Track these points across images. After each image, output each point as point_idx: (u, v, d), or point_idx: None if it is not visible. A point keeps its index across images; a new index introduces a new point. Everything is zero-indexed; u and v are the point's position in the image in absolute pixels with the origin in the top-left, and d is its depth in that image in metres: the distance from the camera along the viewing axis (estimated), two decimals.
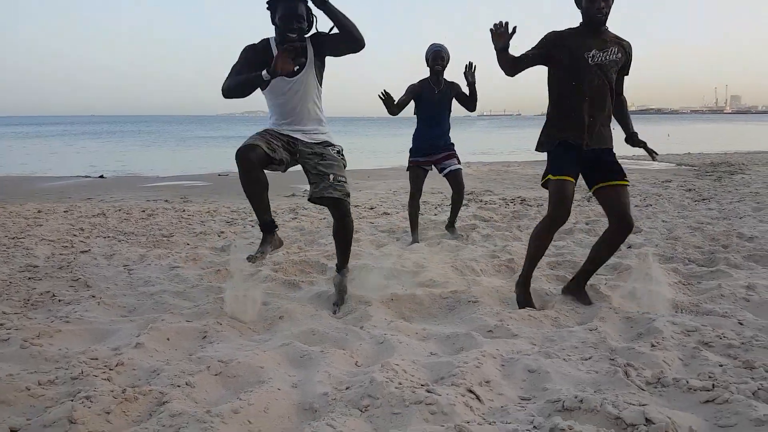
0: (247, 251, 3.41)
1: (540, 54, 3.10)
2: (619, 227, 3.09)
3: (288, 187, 10.41)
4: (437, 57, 4.96)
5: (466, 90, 5.04)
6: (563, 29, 3.13)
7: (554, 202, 3.08)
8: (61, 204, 7.86)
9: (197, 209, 7.35)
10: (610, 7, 3.03)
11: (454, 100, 5.13)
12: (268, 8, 3.13)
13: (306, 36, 3.16)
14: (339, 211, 3.20)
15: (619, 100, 3.26)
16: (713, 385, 2.12)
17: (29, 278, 3.89)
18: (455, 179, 5.15)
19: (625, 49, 3.15)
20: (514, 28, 2.99)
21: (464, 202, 7.96)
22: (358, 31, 2.97)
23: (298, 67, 3.04)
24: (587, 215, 6.44)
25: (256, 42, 3.20)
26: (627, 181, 3.14)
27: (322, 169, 3.19)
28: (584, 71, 3.03)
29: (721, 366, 2.32)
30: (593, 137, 3.11)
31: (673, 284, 3.58)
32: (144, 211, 7.15)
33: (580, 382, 2.21)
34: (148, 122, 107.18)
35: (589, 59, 3.03)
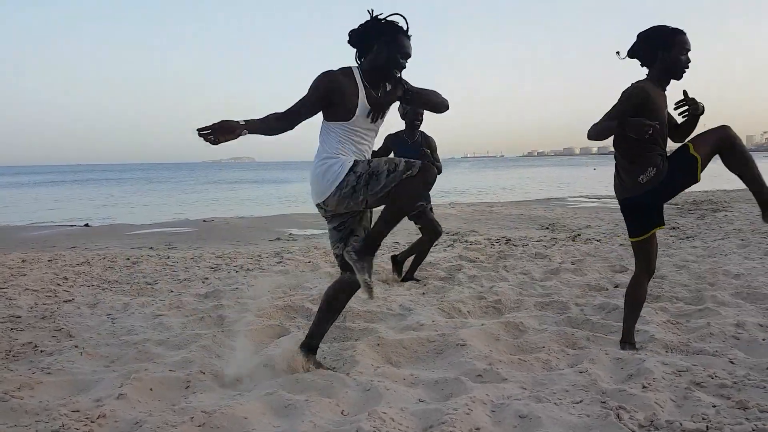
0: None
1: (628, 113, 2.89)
2: (721, 137, 2.89)
3: (273, 231, 10.39)
4: (417, 112, 5.02)
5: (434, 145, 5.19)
6: (645, 82, 2.93)
7: (636, 258, 3.16)
8: (45, 253, 7.74)
9: (181, 256, 7.27)
10: None
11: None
12: (357, 44, 2.76)
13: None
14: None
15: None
16: (707, 426, 2.08)
17: (11, 329, 3.80)
18: (432, 224, 5.17)
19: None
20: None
21: (449, 242, 8.00)
22: (445, 104, 2.89)
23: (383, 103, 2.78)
24: (573, 254, 6.44)
25: (333, 69, 2.76)
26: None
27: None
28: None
29: (714, 407, 2.29)
30: None
31: (662, 323, 3.56)
32: (128, 258, 7.06)
33: (572, 426, 2.16)
34: (130, 170, 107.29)
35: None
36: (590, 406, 2.31)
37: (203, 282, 5.49)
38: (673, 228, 8.71)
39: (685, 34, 2.90)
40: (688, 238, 7.62)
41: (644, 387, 2.48)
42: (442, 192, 23.23)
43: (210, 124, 2.48)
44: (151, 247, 8.50)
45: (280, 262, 6.52)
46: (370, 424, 2.10)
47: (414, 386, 2.70)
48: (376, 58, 2.72)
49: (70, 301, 4.71)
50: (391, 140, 5.12)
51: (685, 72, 2.93)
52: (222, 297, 4.71)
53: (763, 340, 3.14)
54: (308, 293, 4.72)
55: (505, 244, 7.62)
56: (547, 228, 9.61)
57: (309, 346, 2.98)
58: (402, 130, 5.15)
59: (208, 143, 2.46)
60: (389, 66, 2.72)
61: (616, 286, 4.71)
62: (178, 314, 4.26)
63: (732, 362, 2.82)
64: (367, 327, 3.65)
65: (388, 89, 2.80)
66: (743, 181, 2.91)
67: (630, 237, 3.10)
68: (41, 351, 3.33)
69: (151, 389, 2.64)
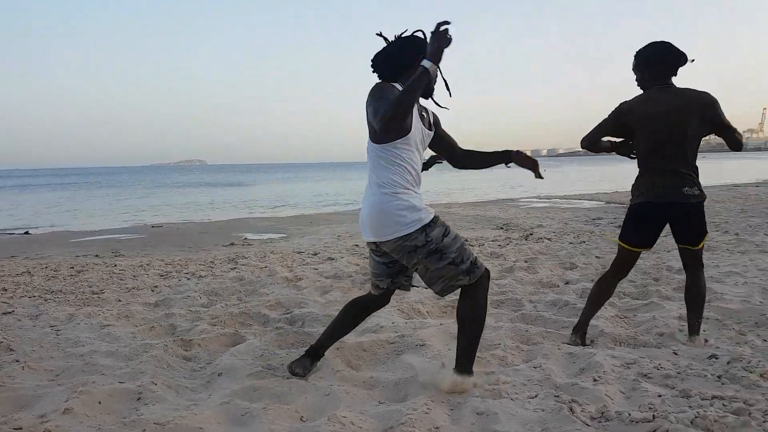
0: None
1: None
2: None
3: (227, 236, 10.22)
4: None
5: None
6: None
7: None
8: None
9: (129, 263, 7.07)
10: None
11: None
12: (389, 68, 2.62)
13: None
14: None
15: None
16: (654, 416, 2.16)
17: None
18: None
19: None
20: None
21: None
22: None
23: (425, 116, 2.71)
24: (526, 253, 6.58)
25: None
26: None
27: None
28: None
29: (660, 396, 2.38)
30: None
31: (610, 318, 3.68)
32: (73, 267, 6.81)
33: (527, 421, 2.21)
34: (75, 174, 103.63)
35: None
36: (545, 400, 2.37)
37: (152, 290, 5.35)
38: (619, 226, 9.00)
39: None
40: None
41: (595, 380, 2.56)
42: None
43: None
44: (96, 255, 8.24)
45: (235, 268, 6.42)
46: (330, 428, 2.10)
47: (374, 388, 2.71)
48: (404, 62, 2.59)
49: (9, 313, 4.49)
50: None
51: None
52: (173, 305, 4.60)
53: (704, 330, 3.28)
54: (264, 299, 4.66)
55: None
56: (502, 228, 9.80)
57: (315, 354, 2.89)
58: None
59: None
60: (433, 80, 2.59)
61: (566, 283, 4.84)
62: (127, 324, 4.14)
63: (675, 353, 2.94)
64: None
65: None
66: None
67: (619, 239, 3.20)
68: None
69: (99, 402, 2.55)
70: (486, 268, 2.59)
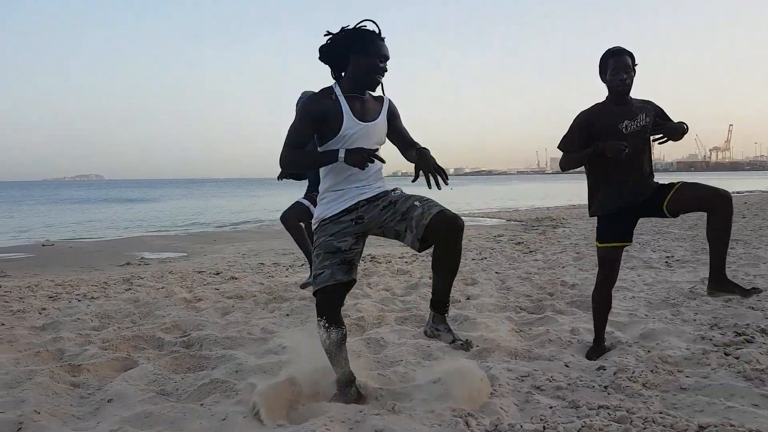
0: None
1: (582, 139, 3.14)
2: (716, 203, 2.95)
3: (123, 254, 9.71)
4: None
5: None
6: (590, 107, 3.19)
7: (599, 265, 3.27)
8: None
9: (15, 284, 6.53)
10: (632, 77, 3.10)
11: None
12: (332, 59, 2.63)
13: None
14: (455, 229, 2.46)
15: None
16: (544, 427, 2.26)
17: None
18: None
19: (651, 110, 3.23)
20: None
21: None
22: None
23: (370, 108, 2.67)
24: (430, 269, 6.71)
25: (315, 91, 2.66)
26: (682, 182, 3.14)
27: (403, 205, 2.55)
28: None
29: (551, 408, 2.50)
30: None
31: (508, 332, 3.82)
32: None
33: None
34: None
35: (623, 129, 3.10)
36: (441, 415, 2.41)
37: (40, 313, 4.97)
38: (519, 243, 9.41)
39: (613, 55, 3.06)
40: (531, 252, 8.27)
41: (491, 394, 2.64)
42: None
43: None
44: None
45: (129, 288, 6.08)
46: None
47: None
48: (357, 67, 2.58)
49: None
50: None
51: (622, 89, 3.08)
52: (62, 329, 4.29)
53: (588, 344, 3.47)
54: (160, 322, 4.44)
55: (370, 261, 7.76)
56: None
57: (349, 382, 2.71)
58: None
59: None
60: (371, 73, 2.58)
61: (468, 298, 4.97)
62: (10, 349, 3.81)
63: (567, 365, 3.10)
64: (226, 354, 3.52)
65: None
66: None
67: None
68: None
69: None
70: (321, 291, 2.59)
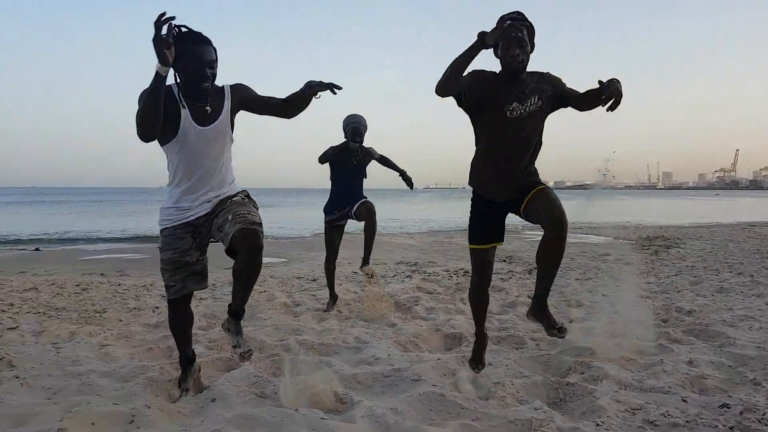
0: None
1: (467, 84, 2.75)
2: (550, 227, 2.71)
3: (229, 259, 10.15)
4: (356, 134, 4.98)
5: (379, 152, 5.22)
6: (491, 71, 2.84)
7: (473, 267, 3.06)
8: None
9: (133, 283, 7.03)
10: (528, 55, 2.75)
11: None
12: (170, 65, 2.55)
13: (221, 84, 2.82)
14: (254, 243, 2.62)
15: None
16: None
17: None
18: (364, 206, 5.05)
19: (548, 89, 2.85)
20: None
21: (408, 273, 7.95)
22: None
23: (210, 109, 2.70)
24: (529, 288, 6.47)
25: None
26: (543, 185, 2.87)
27: (222, 217, 2.72)
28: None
29: None
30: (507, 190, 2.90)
31: (616, 360, 3.56)
32: (78, 285, 6.78)
33: None
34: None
35: (507, 113, 2.78)
36: None
37: (153, 311, 5.29)
38: (627, 264, 8.88)
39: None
40: (642, 273, 7.77)
41: (597, 425, 2.47)
42: (397, 220, 23.44)
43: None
44: (102, 273, 8.21)
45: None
46: None
47: (368, 419, 2.62)
48: (185, 75, 2.63)
49: (14, 328, 4.48)
50: (335, 153, 5.04)
51: (515, 66, 2.74)
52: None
53: (715, 377, 3.16)
54: (261, 324, 4.59)
55: (463, 275, 7.62)
56: (504, 260, 9.67)
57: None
58: (346, 145, 5.04)
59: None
60: (198, 81, 2.62)
61: (571, 321, 4.72)
62: (126, 345, 4.08)
63: (684, 400, 2.83)
64: (322, 360, 3.55)
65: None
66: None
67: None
68: None
69: (93, 424, 2.52)
70: (174, 298, 2.90)
